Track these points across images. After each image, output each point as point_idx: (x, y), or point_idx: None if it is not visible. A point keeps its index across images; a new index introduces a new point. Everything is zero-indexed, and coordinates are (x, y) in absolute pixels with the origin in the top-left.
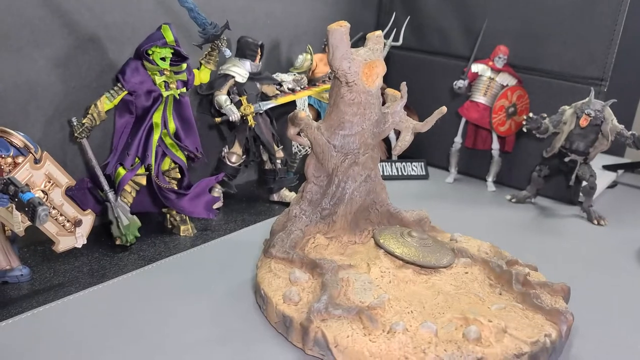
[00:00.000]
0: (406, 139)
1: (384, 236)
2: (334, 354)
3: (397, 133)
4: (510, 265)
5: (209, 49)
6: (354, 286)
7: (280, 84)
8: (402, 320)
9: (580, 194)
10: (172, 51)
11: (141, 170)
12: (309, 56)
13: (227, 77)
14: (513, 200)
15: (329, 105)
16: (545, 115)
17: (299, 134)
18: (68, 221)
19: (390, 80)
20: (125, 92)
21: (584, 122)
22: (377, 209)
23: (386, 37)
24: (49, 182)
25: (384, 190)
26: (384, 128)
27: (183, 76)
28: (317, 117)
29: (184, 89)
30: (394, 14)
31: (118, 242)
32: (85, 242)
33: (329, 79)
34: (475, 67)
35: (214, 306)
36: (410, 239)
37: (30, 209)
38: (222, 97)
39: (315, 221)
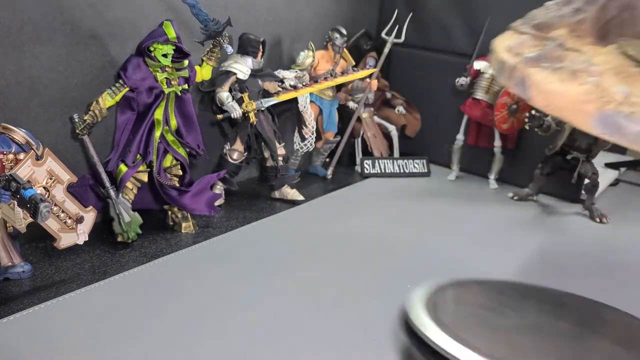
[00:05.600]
0: None
1: (625, 42)
2: (532, 90)
3: (399, 131)
4: None
5: (211, 46)
6: (571, 55)
7: (282, 81)
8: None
9: (583, 191)
10: (173, 48)
11: (143, 167)
12: (310, 53)
13: (228, 73)
14: (515, 197)
15: None
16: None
17: None
18: (70, 218)
19: (392, 78)
20: (127, 89)
21: None
22: (633, 29)
23: (388, 34)
24: (51, 178)
25: None
26: None
27: (185, 73)
28: (319, 113)
29: (186, 86)
30: (397, 11)
31: (119, 239)
32: (86, 239)
33: (331, 75)
34: (478, 65)
35: (215, 303)
36: None
37: (32, 205)
38: (223, 94)
39: (566, 16)
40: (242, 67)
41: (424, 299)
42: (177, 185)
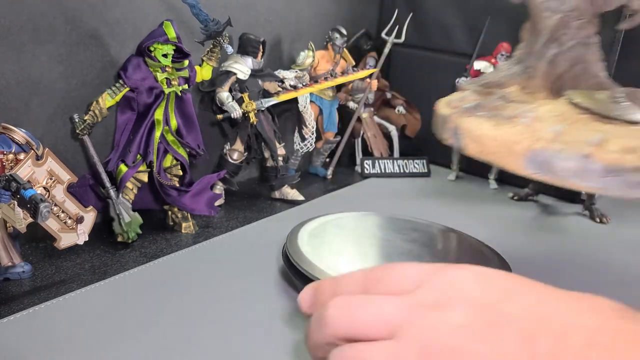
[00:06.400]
0: (636, 19)
1: (575, 94)
2: (464, 139)
3: (399, 131)
4: None
5: (211, 46)
6: (512, 106)
7: (282, 81)
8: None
9: (583, 192)
10: (174, 48)
11: (143, 167)
12: (310, 53)
13: (229, 74)
14: (515, 198)
15: None
16: None
17: None
18: (70, 218)
19: (392, 78)
20: (127, 89)
21: None
22: (587, 81)
23: (388, 34)
24: (51, 178)
25: (599, 63)
26: None
27: (185, 73)
28: (319, 113)
29: (186, 86)
30: (397, 11)
31: (119, 239)
32: (87, 239)
33: (331, 75)
34: (478, 65)
35: (215, 303)
36: (603, 96)
37: (32, 205)
38: (223, 94)
39: (517, 74)
40: (242, 67)
41: (305, 229)
42: (177, 185)
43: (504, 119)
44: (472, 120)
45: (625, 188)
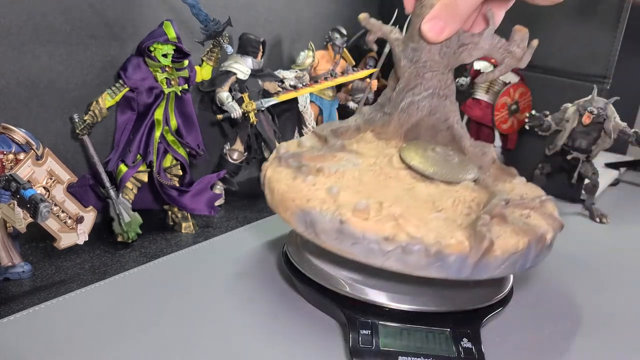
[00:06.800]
0: (495, 73)
1: (409, 147)
2: (265, 188)
3: None
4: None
5: (211, 46)
6: (338, 156)
7: (282, 81)
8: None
9: (583, 191)
10: (173, 48)
11: (143, 167)
12: (310, 53)
13: (228, 74)
14: None
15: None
16: (548, 112)
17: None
18: (70, 218)
19: None
20: (127, 89)
21: (586, 119)
22: (444, 131)
23: None
24: (51, 178)
25: (455, 114)
26: (459, 50)
27: (185, 73)
28: (319, 113)
29: (186, 86)
30: (396, 11)
31: (119, 239)
32: (86, 239)
33: (331, 75)
34: (478, 65)
35: (215, 303)
36: (433, 154)
37: (32, 205)
38: (223, 94)
39: (375, 119)
40: (242, 67)
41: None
42: (177, 185)
43: (305, 172)
44: (280, 169)
45: (379, 257)
